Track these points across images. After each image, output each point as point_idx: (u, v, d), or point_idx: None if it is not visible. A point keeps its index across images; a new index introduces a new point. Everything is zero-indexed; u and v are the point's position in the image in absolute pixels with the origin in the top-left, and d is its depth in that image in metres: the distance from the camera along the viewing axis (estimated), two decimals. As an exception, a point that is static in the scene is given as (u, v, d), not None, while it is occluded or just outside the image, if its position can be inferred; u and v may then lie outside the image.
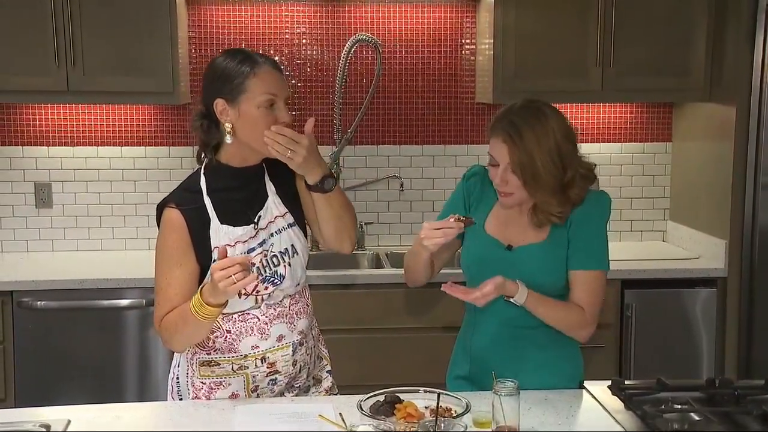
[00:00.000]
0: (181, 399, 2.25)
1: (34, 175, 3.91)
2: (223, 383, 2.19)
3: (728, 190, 3.57)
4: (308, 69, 3.96)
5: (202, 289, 2.01)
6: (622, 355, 3.61)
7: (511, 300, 2.15)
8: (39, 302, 3.38)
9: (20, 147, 3.88)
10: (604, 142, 4.10)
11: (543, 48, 3.63)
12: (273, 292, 2.16)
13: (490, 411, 1.89)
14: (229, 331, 2.16)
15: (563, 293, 2.24)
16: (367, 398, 1.99)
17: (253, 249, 2.13)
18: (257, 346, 2.17)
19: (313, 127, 2.11)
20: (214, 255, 2.05)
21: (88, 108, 3.87)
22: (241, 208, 2.15)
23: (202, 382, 2.20)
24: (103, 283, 3.42)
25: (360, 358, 3.47)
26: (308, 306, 2.29)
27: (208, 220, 2.11)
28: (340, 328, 3.40)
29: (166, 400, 2.31)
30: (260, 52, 2.22)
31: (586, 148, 3.97)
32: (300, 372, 2.26)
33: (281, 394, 2.24)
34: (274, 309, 2.18)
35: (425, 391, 2.03)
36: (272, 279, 2.15)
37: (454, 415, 1.94)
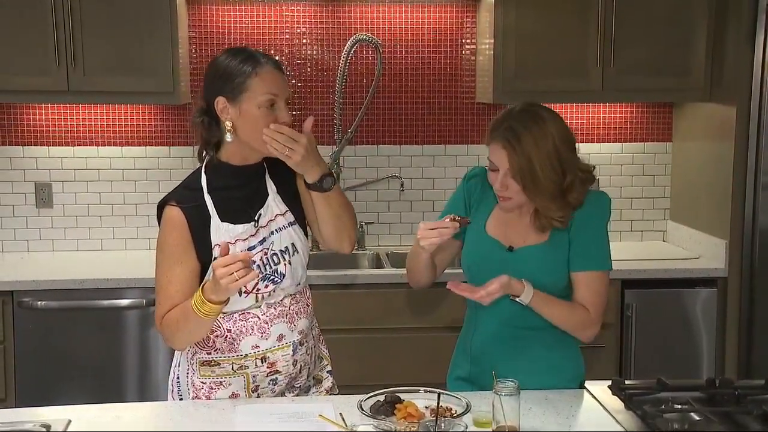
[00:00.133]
0: (181, 399, 2.26)
1: (34, 175, 3.91)
2: (224, 383, 2.19)
3: (728, 190, 3.57)
4: (308, 69, 3.96)
5: (203, 286, 2.01)
6: (623, 355, 3.61)
7: (517, 299, 2.15)
8: (39, 302, 3.38)
9: (21, 147, 3.88)
10: (604, 142, 4.10)
11: (543, 48, 3.63)
12: (273, 290, 2.17)
13: (490, 411, 1.89)
14: (229, 330, 2.16)
15: (564, 294, 2.24)
16: (368, 398, 2.00)
17: (254, 247, 2.13)
18: (257, 346, 2.17)
19: (313, 126, 2.12)
20: (215, 252, 2.05)
21: (89, 108, 3.87)
22: (241, 206, 2.15)
23: (202, 382, 2.20)
24: (104, 283, 3.42)
25: (360, 358, 3.47)
26: (308, 306, 2.29)
27: (208, 218, 2.12)
28: (340, 328, 3.40)
29: (167, 400, 2.31)
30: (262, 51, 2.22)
31: (586, 148, 3.99)
32: (300, 372, 2.26)
33: (282, 394, 2.24)
34: (275, 308, 2.18)
35: (425, 391, 2.04)
36: (272, 277, 2.15)
37: (455, 414, 1.94)
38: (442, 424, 1.87)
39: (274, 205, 2.19)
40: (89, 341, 3.44)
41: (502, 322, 2.27)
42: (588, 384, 2.23)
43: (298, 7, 3.91)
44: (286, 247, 2.19)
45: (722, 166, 3.62)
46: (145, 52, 3.51)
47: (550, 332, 2.26)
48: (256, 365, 2.18)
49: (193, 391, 2.21)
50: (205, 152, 2.19)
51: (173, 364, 2.32)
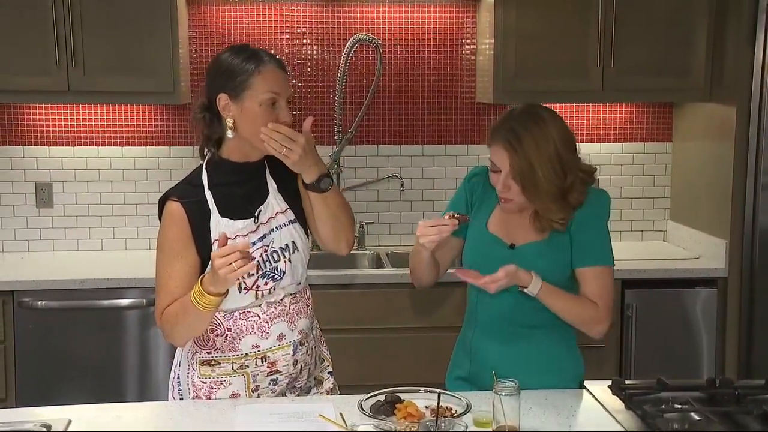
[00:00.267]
0: (182, 399, 2.26)
1: (34, 175, 3.91)
2: (224, 383, 2.19)
3: (728, 190, 3.57)
4: (309, 69, 3.96)
5: (202, 279, 2.02)
6: (623, 354, 3.61)
7: (525, 290, 2.15)
8: (40, 302, 3.38)
9: (21, 147, 3.88)
10: (604, 142, 4.10)
11: (543, 48, 3.63)
12: (273, 288, 2.17)
13: (490, 411, 1.89)
14: (229, 329, 2.16)
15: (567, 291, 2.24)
16: (368, 398, 2.00)
17: (254, 243, 2.14)
18: (258, 345, 2.17)
19: (312, 126, 2.13)
20: (215, 248, 2.06)
21: (89, 108, 3.87)
22: (241, 203, 2.16)
23: (202, 382, 2.21)
24: (104, 283, 3.42)
25: (360, 358, 3.47)
26: (309, 306, 2.30)
27: (208, 213, 2.13)
28: (340, 328, 3.40)
29: (167, 400, 2.32)
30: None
31: (586, 148, 3.99)
32: (301, 372, 2.26)
33: (282, 394, 2.24)
34: (275, 308, 2.18)
35: (426, 391, 2.04)
36: (272, 274, 2.16)
37: (455, 414, 1.94)
38: (443, 424, 1.87)
39: (274, 202, 2.20)
40: (89, 341, 3.44)
41: (502, 321, 2.27)
42: (588, 384, 2.23)
43: (299, 7, 3.91)
44: (287, 245, 2.19)
45: (722, 166, 3.62)
46: (145, 52, 3.51)
47: (549, 331, 2.27)
48: (256, 365, 2.18)
49: (194, 391, 2.21)
50: (206, 149, 2.20)
51: (174, 364, 2.32)
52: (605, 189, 2.34)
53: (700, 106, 3.82)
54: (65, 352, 3.43)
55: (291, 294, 2.22)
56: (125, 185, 3.95)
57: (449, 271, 2.36)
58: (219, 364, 2.19)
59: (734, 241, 3.58)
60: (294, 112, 2.17)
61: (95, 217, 3.95)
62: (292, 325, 2.21)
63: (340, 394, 2.37)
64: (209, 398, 2.20)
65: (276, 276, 2.17)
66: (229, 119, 2.10)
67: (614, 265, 2.26)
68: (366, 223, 4.00)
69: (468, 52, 3.99)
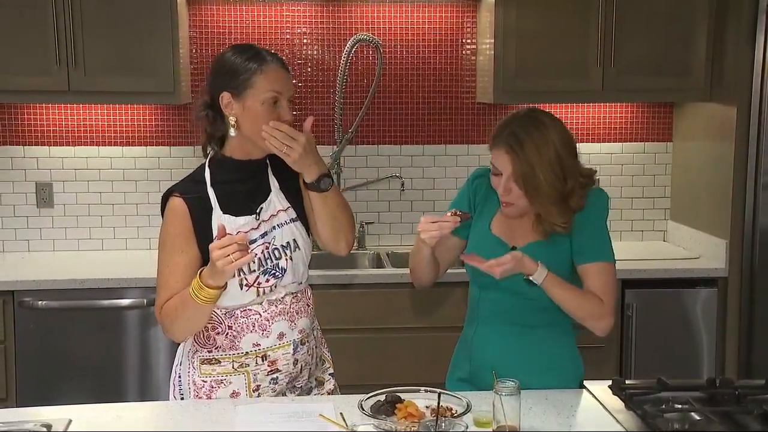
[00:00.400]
0: (182, 398, 2.26)
1: (35, 175, 3.91)
2: (224, 381, 2.20)
3: (729, 189, 3.57)
4: (309, 69, 3.96)
5: (201, 272, 2.04)
6: (623, 354, 3.61)
7: (530, 278, 2.15)
8: (40, 302, 3.38)
9: (21, 147, 3.89)
10: (605, 142, 4.10)
11: (544, 48, 3.63)
12: (275, 285, 2.18)
13: (490, 410, 1.89)
14: (230, 327, 2.17)
15: None
16: (368, 398, 2.00)
17: (255, 240, 2.15)
18: (258, 344, 2.18)
19: (313, 126, 2.14)
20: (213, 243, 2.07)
21: (89, 108, 3.87)
22: (243, 200, 2.17)
23: (203, 381, 2.21)
24: (104, 283, 3.43)
25: (360, 358, 3.47)
26: (309, 306, 2.30)
27: (210, 210, 2.15)
28: (340, 328, 3.40)
29: (168, 399, 2.32)
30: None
31: (586, 148, 3.99)
32: (301, 372, 2.27)
33: (282, 393, 2.25)
34: (276, 306, 2.19)
35: (426, 391, 2.04)
36: (273, 271, 2.17)
37: (455, 414, 1.94)
38: (443, 424, 1.87)
39: (276, 200, 2.22)
40: (90, 341, 3.44)
41: (504, 319, 2.28)
42: (588, 384, 2.23)
43: (299, 7, 3.91)
44: (288, 243, 2.20)
45: (722, 166, 3.62)
46: (145, 52, 3.52)
47: (550, 331, 2.27)
48: (256, 363, 2.19)
49: (194, 390, 2.22)
50: (209, 147, 2.22)
51: (175, 363, 2.33)
52: (605, 189, 2.34)
53: (700, 106, 3.83)
54: (66, 352, 3.43)
55: (292, 293, 2.23)
56: (126, 185, 3.95)
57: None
58: (219, 362, 2.20)
59: (734, 241, 3.58)
60: (294, 112, 2.18)
61: (96, 217, 3.96)
62: (293, 324, 2.22)
63: (340, 395, 2.37)
64: (210, 397, 2.20)
65: (277, 273, 2.18)
66: (231, 117, 2.13)
67: (615, 263, 2.27)
68: (366, 223, 4.00)
69: (468, 52, 3.99)
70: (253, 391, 2.21)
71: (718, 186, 3.66)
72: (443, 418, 1.89)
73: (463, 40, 3.98)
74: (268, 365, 2.20)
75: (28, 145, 3.88)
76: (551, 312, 2.23)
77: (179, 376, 2.28)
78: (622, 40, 3.63)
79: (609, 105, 4.07)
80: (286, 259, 2.19)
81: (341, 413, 2.00)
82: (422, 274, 2.37)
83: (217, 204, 2.15)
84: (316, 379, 2.36)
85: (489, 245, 2.29)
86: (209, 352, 2.20)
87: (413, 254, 2.36)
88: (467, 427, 1.92)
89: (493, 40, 3.63)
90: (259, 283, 2.15)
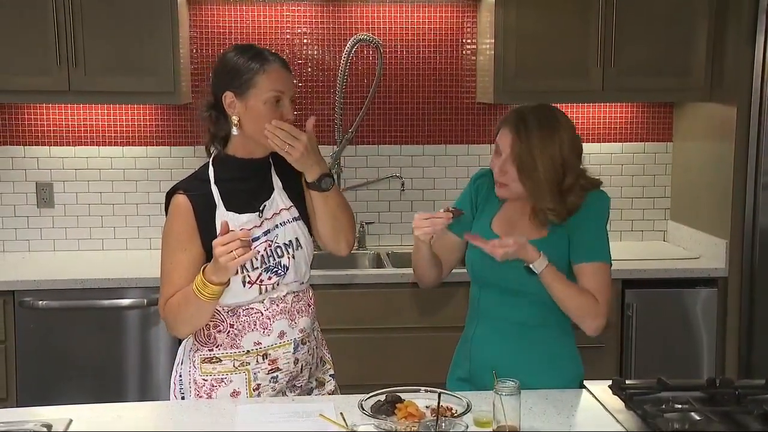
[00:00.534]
0: (183, 397, 2.26)
1: (35, 175, 3.91)
2: (225, 380, 2.21)
3: (729, 189, 3.58)
4: (309, 69, 3.96)
5: (204, 269, 2.06)
6: (623, 354, 3.61)
7: (531, 266, 2.15)
8: (40, 302, 3.38)
9: (22, 147, 3.89)
10: (605, 142, 4.10)
11: (544, 48, 3.63)
12: (277, 283, 2.19)
13: (491, 410, 1.89)
14: (232, 326, 2.19)
15: None
16: (368, 398, 2.00)
17: (258, 238, 2.17)
18: (259, 342, 2.19)
19: (314, 125, 2.16)
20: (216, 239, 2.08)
21: (90, 108, 3.87)
22: (246, 198, 2.20)
23: (204, 380, 2.22)
24: (105, 283, 3.43)
25: (360, 358, 3.47)
26: (310, 306, 2.31)
27: (214, 207, 2.17)
28: (341, 328, 3.40)
29: (168, 399, 2.33)
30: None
31: (586, 148, 3.91)
32: (302, 371, 2.27)
33: (282, 392, 2.25)
34: (277, 304, 2.21)
35: (426, 391, 2.04)
36: (275, 269, 2.19)
37: (455, 414, 1.94)
38: (443, 424, 1.87)
39: (279, 199, 2.24)
40: (90, 341, 3.45)
41: (504, 317, 2.29)
42: (588, 384, 2.23)
43: (299, 7, 3.91)
44: (290, 241, 2.22)
45: (722, 166, 3.62)
46: (145, 51, 3.52)
47: (550, 331, 2.28)
48: (257, 362, 2.20)
49: (195, 389, 2.23)
50: (212, 146, 2.24)
51: (176, 363, 2.33)
52: (605, 189, 2.35)
53: (701, 106, 3.83)
54: (66, 352, 3.43)
55: (293, 292, 2.24)
56: (126, 185, 3.95)
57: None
58: (220, 361, 2.21)
59: (734, 241, 3.58)
60: (295, 112, 2.19)
61: (96, 217, 3.96)
62: (293, 323, 2.23)
63: (340, 395, 2.37)
64: (210, 396, 2.21)
65: (279, 271, 2.19)
66: (234, 117, 2.15)
67: (612, 265, 2.27)
68: (366, 223, 4.00)
69: (468, 52, 3.99)
70: (254, 390, 2.21)
71: (718, 186, 3.66)
72: (443, 418, 1.89)
73: (463, 40, 3.98)
74: (269, 364, 2.20)
75: (29, 145, 3.89)
76: (551, 311, 2.23)
77: (180, 376, 2.29)
78: (622, 40, 3.63)
79: (609, 105, 4.07)
80: (289, 257, 2.21)
81: (341, 413, 2.00)
82: (424, 273, 2.38)
83: (221, 201, 2.17)
84: (316, 380, 2.37)
85: None
86: (210, 350, 2.21)
87: (413, 254, 2.38)
88: (467, 427, 1.93)
89: (493, 40, 3.63)
90: (261, 281, 2.17)
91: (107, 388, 3.45)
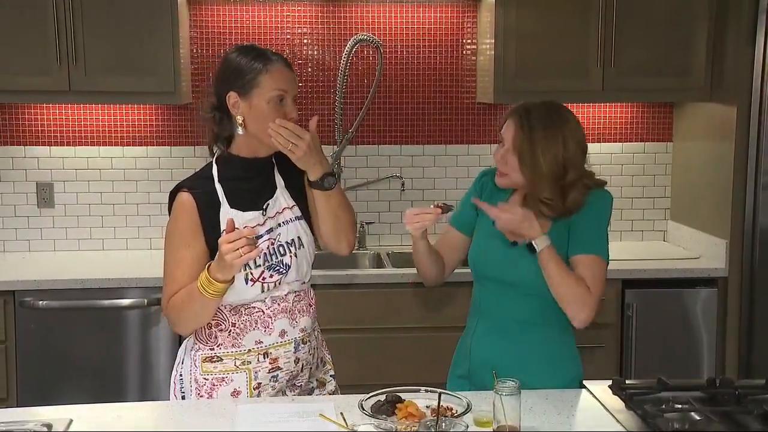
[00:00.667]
0: (183, 397, 2.27)
1: (35, 175, 3.91)
2: (226, 379, 2.21)
3: (729, 189, 3.58)
4: (309, 69, 3.96)
5: (209, 266, 2.07)
6: (623, 354, 3.61)
7: (533, 242, 2.16)
8: (41, 302, 3.38)
9: (22, 147, 3.89)
10: (605, 142, 4.10)
11: (544, 48, 3.64)
12: (279, 282, 2.20)
13: (491, 410, 1.90)
14: (234, 325, 2.20)
15: None
16: (369, 398, 2.00)
17: (261, 236, 2.18)
18: (260, 341, 2.20)
19: (317, 124, 2.18)
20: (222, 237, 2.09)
21: (90, 108, 3.87)
22: (250, 197, 2.21)
23: (205, 379, 2.22)
24: (105, 283, 3.43)
25: (360, 358, 3.47)
26: (311, 306, 2.32)
27: (218, 204, 2.18)
28: (341, 328, 3.40)
29: (168, 399, 2.33)
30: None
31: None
32: (302, 371, 2.28)
33: (282, 391, 2.26)
34: (278, 303, 2.22)
35: (426, 391, 2.04)
36: (278, 267, 2.20)
37: (455, 414, 1.94)
38: (443, 424, 1.87)
39: (282, 198, 2.25)
40: (90, 341, 3.45)
41: (504, 315, 2.30)
42: (588, 383, 2.23)
43: (299, 8, 3.91)
44: (293, 240, 2.23)
45: (722, 166, 3.62)
46: (146, 51, 3.52)
47: (550, 330, 2.28)
48: (258, 361, 2.20)
49: (196, 388, 2.23)
50: (215, 147, 2.26)
51: (176, 362, 2.34)
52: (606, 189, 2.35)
53: (700, 106, 3.83)
54: (66, 352, 3.43)
55: (295, 291, 2.26)
56: (126, 185, 3.95)
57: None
58: (221, 360, 2.21)
59: (734, 241, 3.58)
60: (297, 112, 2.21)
61: (96, 217, 3.96)
62: (294, 321, 2.24)
63: (341, 395, 2.37)
64: (211, 395, 2.21)
65: (281, 269, 2.20)
66: (238, 116, 2.17)
67: (608, 263, 2.27)
68: (367, 223, 4.01)
69: (468, 52, 3.99)
70: (254, 389, 2.22)
71: (718, 186, 3.66)
72: (443, 418, 1.89)
73: (464, 40, 3.98)
74: (270, 363, 2.21)
75: (29, 145, 3.89)
76: (551, 309, 2.23)
77: (181, 375, 2.29)
78: (622, 40, 3.63)
79: (609, 105, 4.07)
80: (291, 256, 2.22)
81: (341, 413, 2.00)
82: (425, 269, 2.40)
83: (225, 199, 2.18)
84: (317, 380, 2.38)
85: (491, 241, 2.32)
86: (211, 349, 2.22)
87: (413, 252, 2.39)
88: (467, 427, 1.93)
89: (493, 40, 3.63)
90: (263, 279, 2.18)
91: (107, 388, 3.45)
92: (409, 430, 1.86)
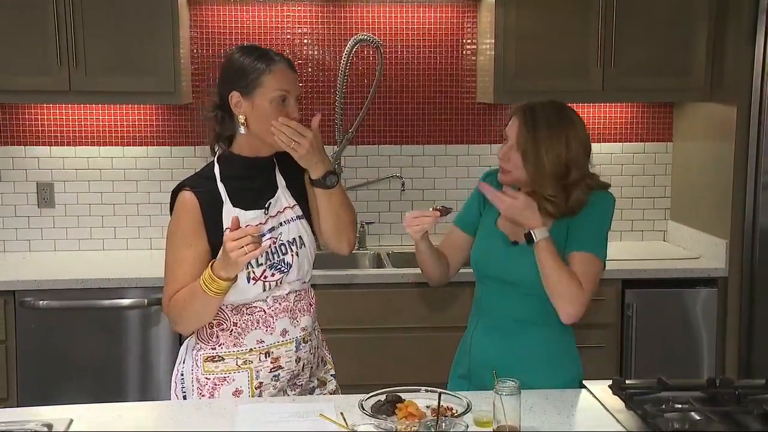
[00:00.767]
0: (185, 396, 2.27)
1: (36, 175, 3.91)
2: (227, 379, 2.22)
3: (729, 189, 3.58)
4: (309, 69, 3.96)
5: (212, 264, 2.08)
6: (623, 354, 3.62)
7: (532, 232, 2.16)
8: (41, 302, 3.38)
9: (22, 147, 3.89)
10: (605, 142, 4.10)
11: (544, 48, 3.64)
12: (280, 281, 2.21)
13: (491, 410, 1.90)
14: (235, 324, 2.20)
15: None
16: (369, 397, 2.00)
17: (263, 235, 2.18)
18: (262, 341, 2.21)
19: (319, 123, 2.19)
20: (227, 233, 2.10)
21: (90, 108, 3.88)
22: (252, 196, 2.22)
23: (206, 378, 2.23)
24: (105, 283, 3.43)
25: (360, 357, 3.47)
26: (312, 306, 2.33)
27: (220, 202, 2.18)
28: (341, 328, 3.40)
29: (168, 399, 2.33)
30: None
31: (586, 148, 3.99)
32: (303, 370, 2.29)
33: (283, 390, 2.26)
34: (279, 303, 2.22)
35: (426, 391, 2.04)
36: (279, 266, 2.21)
37: (456, 414, 1.95)
38: (443, 424, 1.88)
39: (283, 197, 2.26)
40: (91, 341, 3.45)
41: (505, 314, 2.30)
42: (588, 383, 2.24)
43: (299, 8, 3.91)
44: (294, 239, 2.24)
45: (722, 166, 3.62)
46: (146, 51, 3.52)
47: (550, 330, 2.28)
48: (260, 360, 2.21)
49: (198, 388, 2.23)
50: (216, 146, 2.26)
51: (177, 362, 2.34)
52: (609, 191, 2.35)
53: (700, 106, 3.83)
54: (66, 352, 3.44)
55: (296, 291, 2.26)
56: (126, 185, 3.95)
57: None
58: (223, 359, 2.22)
59: (734, 241, 3.58)
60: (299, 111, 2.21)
61: (96, 217, 3.96)
62: (295, 321, 2.25)
63: (341, 394, 2.37)
64: (213, 395, 2.21)
65: (283, 268, 2.21)
66: (241, 116, 2.18)
67: (605, 264, 2.27)
68: (367, 223, 4.01)
69: (468, 52, 3.99)
70: (255, 389, 2.22)
71: (718, 186, 3.67)
72: (443, 418, 1.89)
73: (464, 41, 3.98)
74: (271, 362, 2.22)
75: (29, 145, 3.89)
76: (551, 310, 2.23)
77: (182, 375, 2.29)
78: (622, 41, 3.63)
79: (609, 105, 4.07)
80: (292, 255, 2.23)
81: (342, 413, 2.00)
82: (428, 269, 2.41)
83: (227, 198, 2.19)
84: (318, 379, 2.38)
85: (492, 241, 2.34)
86: (213, 349, 2.22)
87: (416, 252, 2.41)
88: (467, 427, 1.93)
89: (493, 41, 3.64)
90: (265, 277, 2.18)
91: (107, 388, 3.45)
92: (409, 430, 1.86)
